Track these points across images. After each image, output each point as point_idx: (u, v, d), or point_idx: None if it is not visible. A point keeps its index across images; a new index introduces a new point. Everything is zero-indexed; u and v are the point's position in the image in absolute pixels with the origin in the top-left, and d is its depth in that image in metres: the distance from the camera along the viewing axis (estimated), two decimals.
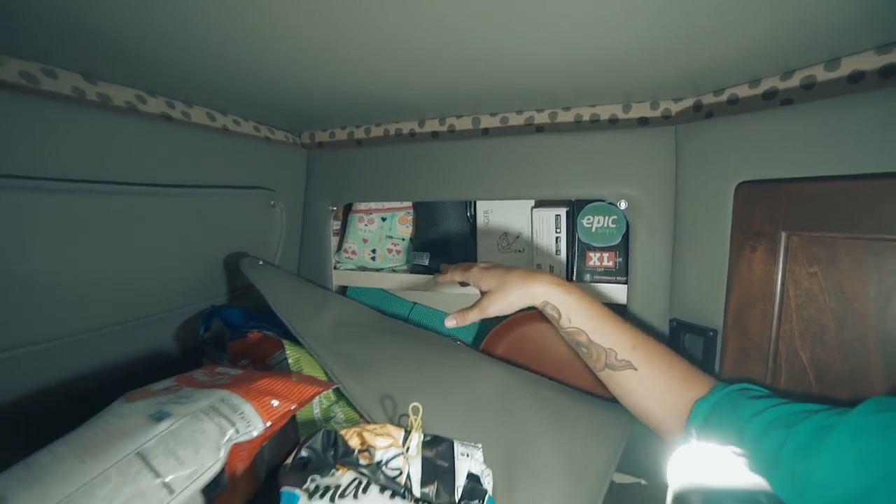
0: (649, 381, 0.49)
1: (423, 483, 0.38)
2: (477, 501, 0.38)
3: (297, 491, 0.33)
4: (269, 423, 0.39)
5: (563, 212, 0.73)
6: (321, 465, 0.36)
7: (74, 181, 0.48)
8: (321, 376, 0.53)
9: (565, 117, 0.72)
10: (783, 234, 0.49)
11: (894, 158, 0.42)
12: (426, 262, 0.82)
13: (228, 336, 0.63)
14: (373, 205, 0.87)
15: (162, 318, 0.65)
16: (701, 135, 0.59)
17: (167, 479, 0.33)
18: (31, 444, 0.35)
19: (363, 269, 0.88)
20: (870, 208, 0.43)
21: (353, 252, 0.88)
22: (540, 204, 0.76)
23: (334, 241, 0.89)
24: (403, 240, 0.87)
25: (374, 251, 0.88)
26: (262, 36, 0.42)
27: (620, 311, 0.65)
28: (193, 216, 0.64)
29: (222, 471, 0.37)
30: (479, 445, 0.43)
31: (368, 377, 0.52)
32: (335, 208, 0.87)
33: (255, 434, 0.39)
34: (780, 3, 0.37)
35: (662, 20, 0.39)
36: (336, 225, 0.90)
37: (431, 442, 0.42)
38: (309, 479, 0.34)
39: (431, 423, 0.46)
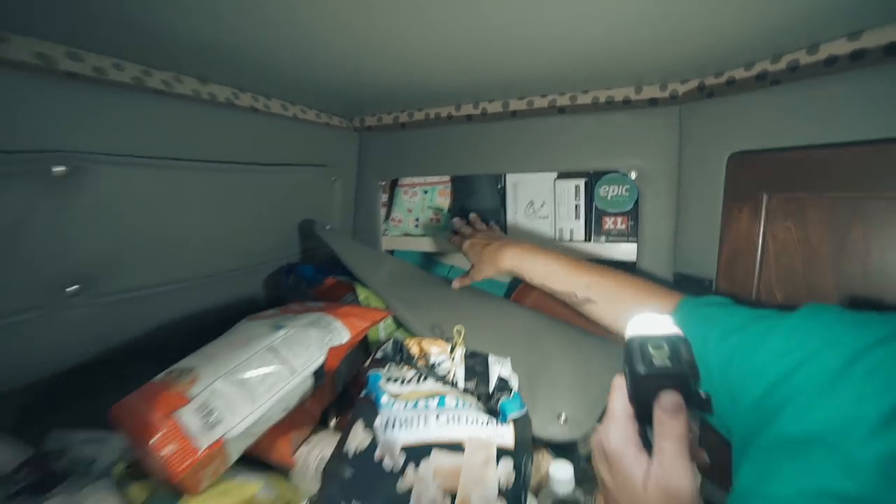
0: (609, 307, 0.56)
1: (466, 379, 0.50)
2: (507, 392, 0.50)
3: (380, 371, 0.46)
4: (353, 334, 0.51)
5: (582, 182, 0.78)
6: (393, 362, 0.49)
7: (193, 160, 0.59)
8: (384, 308, 0.64)
9: (584, 99, 0.75)
10: (764, 196, 0.56)
11: (855, 130, 0.49)
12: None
13: (305, 285, 0.74)
14: (416, 179, 0.93)
15: (252, 271, 0.76)
16: (701, 112, 0.63)
17: (291, 364, 0.46)
18: (161, 365, 0.45)
19: (408, 235, 0.95)
20: (830, 172, 0.50)
21: (400, 220, 0.95)
22: (562, 176, 0.81)
23: (383, 211, 0.96)
24: (442, 210, 0.93)
25: (416, 220, 0.94)
26: (324, 31, 0.44)
27: (630, 267, 0.74)
28: (270, 189, 0.73)
29: (322, 366, 0.50)
30: (508, 357, 0.54)
31: (420, 311, 0.63)
32: (384, 183, 0.94)
33: (344, 341, 0.51)
34: None
35: (666, 4, 0.43)
36: (384, 197, 0.96)
37: (471, 355, 0.54)
38: (385, 367, 0.47)
39: (471, 343, 0.57)
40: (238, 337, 0.48)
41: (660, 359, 0.31)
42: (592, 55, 0.54)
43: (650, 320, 0.34)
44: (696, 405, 0.31)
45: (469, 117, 0.84)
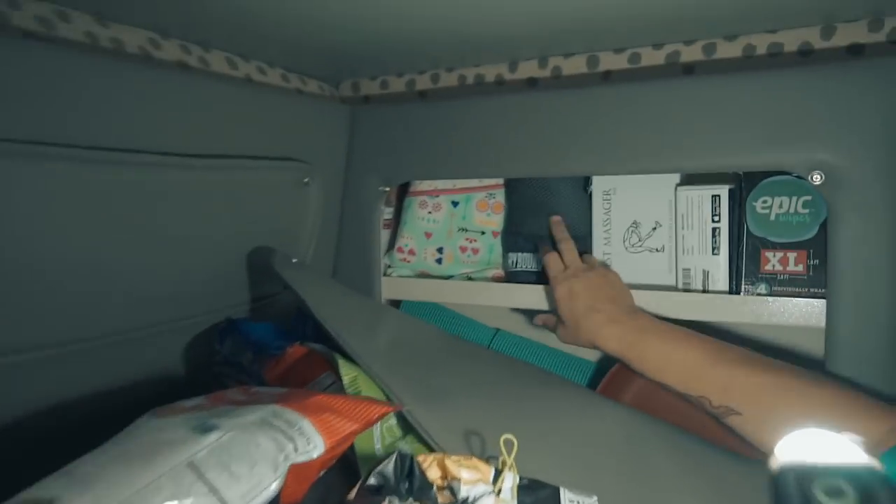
0: (761, 425, 0.58)
1: None
2: None
3: None
4: (330, 444, 0.45)
5: (724, 190, 0.75)
6: (396, 496, 0.41)
7: (61, 145, 0.56)
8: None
9: (729, 50, 0.73)
10: None
11: None
12: (532, 267, 0.86)
13: (254, 355, 0.70)
14: (440, 184, 0.91)
15: (166, 331, 0.73)
16: None
17: (223, 495, 0.39)
18: (31, 465, 0.42)
19: (425, 275, 0.93)
20: None
21: (412, 251, 0.92)
22: (688, 180, 0.78)
23: (384, 235, 0.94)
24: (483, 233, 0.90)
25: (440, 250, 0.92)
26: None
27: (814, 338, 0.69)
28: (199, 195, 0.70)
29: (277, 498, 0.42)
30: (595, 497, 0.47)
31: (445, 407, 0.58)
32: (388, 189, 0.91)
33: (315, 455, 0.44)
34: None
35: None
36: (388, 212, 0.94)
37: (530, 486, 0.45)
38: (385, 502, 0.39)
39: (530, 466, 0.50)
40: (136, 444, 0.44)
41: None
42: None
43: (822, 440, 0.34)
44: None
45: (531, 81, 0.84)
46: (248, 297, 0.83)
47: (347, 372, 0.61)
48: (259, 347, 0.73)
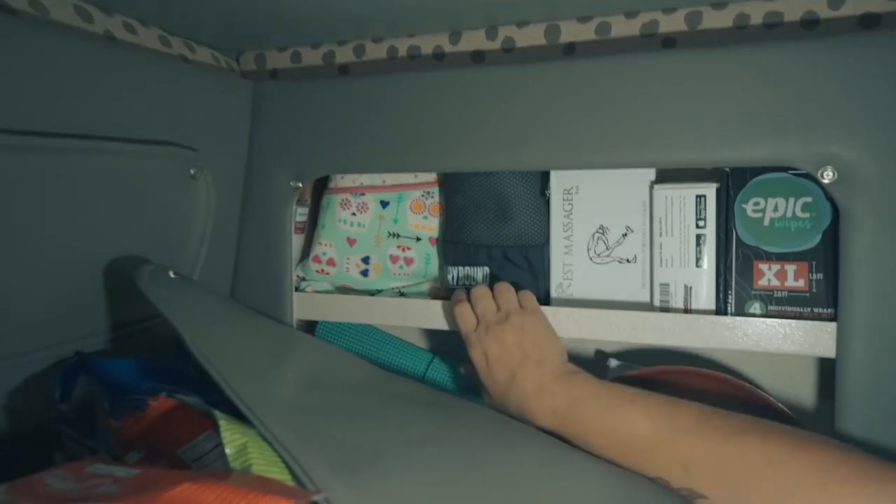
0: None
1: None
2: None
3: None
4: None
5: (710, 190, 0.71)
6: None
7: None
8: (288, 479, 0.50)
9: (716, 20, 0.69)
10: None
11: None
12: (480, 278, 0.83)
13: (108, 407, 0.61)
14: (365, 179, 0.87)
15: None
16: None
17: None
18: None
19: (348, 290, 0.89)
20: None
21: (331, 261, 0.88)
22: (667, 177, 0.75)
23: (297, 240, 0.89)
24: (419, 240, 0.87)
25: (366, 259, 0.88)
26: None
27: (825, 375, 0.70)
28: (46, 187, 0.63)
29: None
30: None
31: (377, 481, 0.51)
32: (300, 185, 0.86)
33: None
34: None
35: None
36: (302, 214, 0.89)
37: None
38: None
39: None
40: None
41: None
42: None
43: None
44: None
45: (477, 55, 0.80)
46: (107, 324, 0.75)
47: (233, 438, 0.51)
48: (119, 393, 0.63)
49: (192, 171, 0.77)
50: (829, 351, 0.64)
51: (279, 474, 0.50)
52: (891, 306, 0.61)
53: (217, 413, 0.52)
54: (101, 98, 0.68)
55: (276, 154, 0.85)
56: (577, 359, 0.81)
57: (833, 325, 0.64)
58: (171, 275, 0.70)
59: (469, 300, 0.74)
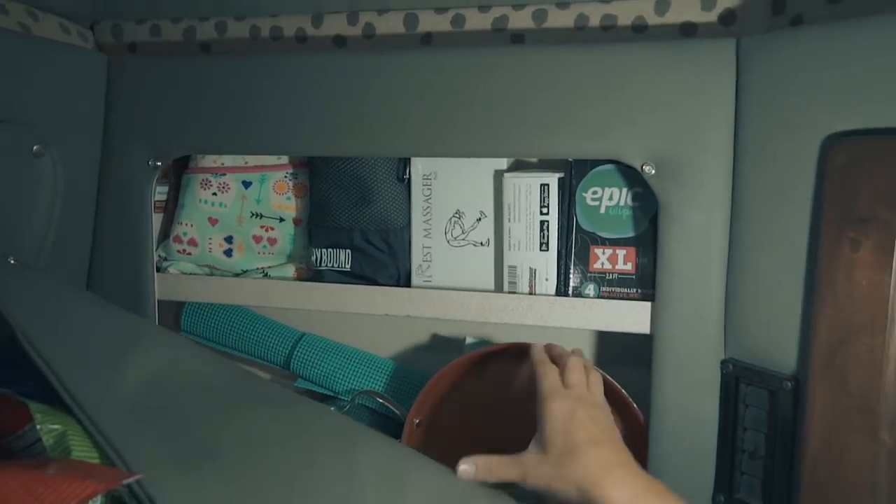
0: None
1: None
2: None
3: None
4: None
5: (553, 179, 0.73)
6: None
7: None
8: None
9: (560, 20, 0.72)
10: None
11: None
12: (343, 266, 0.81)
13: None
14: (227, 159, 0.86)
15: None
16: (780, 53, 0.60)
17: None
18: None
19: (211, 270, 0.89)
20: None
21: (192, 241, 0.87)
22: (516, 166, 0.77)
23: (157, 220, 0.88)
24: (282, 221, 0.87)
25: (229, 239, 0.87)
26: None
27: (640, 343, 0.71)
28: None
29: None
30: None
31: (207, 476, 0.49)
32: (160, 163, 0.83)
33: None
34: None
35: None
36: (161, 193, 0.88)
37: None
38: None
39: None
40: None
41: None
42: None
43: None
44: None
45: (339, 40, 0.81)
46: None
47: (49, 424, 0.50)
48: None
49: (34, 148, 0.74)
50: (646, 327, 0.68)
51: (100, 458, 0.50)
52: (699, 288, 0.66)
53: (32, 404, 0.51)
54: None
55: (135, 132, 0.83)
56: (437, 337, 0.86)
57: (650, 304, 0.68)
58: (11, 261, 0.67)
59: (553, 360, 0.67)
